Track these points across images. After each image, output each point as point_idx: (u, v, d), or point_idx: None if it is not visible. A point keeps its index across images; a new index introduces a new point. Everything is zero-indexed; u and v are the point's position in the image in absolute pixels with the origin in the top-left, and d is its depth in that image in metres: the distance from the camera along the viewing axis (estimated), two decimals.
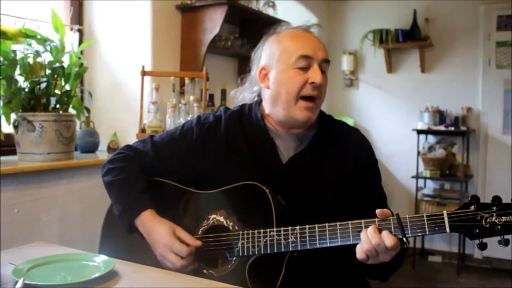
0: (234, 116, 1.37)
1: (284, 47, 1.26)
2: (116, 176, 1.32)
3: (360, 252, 1.07)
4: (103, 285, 1.00)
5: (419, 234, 1.05)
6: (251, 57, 1.38)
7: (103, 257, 1.12)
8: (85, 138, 2.37)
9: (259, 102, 1.38)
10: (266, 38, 1.34)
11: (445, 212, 1.03)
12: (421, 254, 4.25)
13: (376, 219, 1.08)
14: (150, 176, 1.35)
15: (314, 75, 1.22)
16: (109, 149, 2.39)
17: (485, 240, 1.01)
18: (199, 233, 1.27)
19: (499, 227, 0.99)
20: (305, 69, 1.23)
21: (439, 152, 3.98)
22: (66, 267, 1.09)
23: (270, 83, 1.29)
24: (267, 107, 1.33)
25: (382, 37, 4.17)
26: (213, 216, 1.26)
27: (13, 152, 2.10)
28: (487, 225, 1.00)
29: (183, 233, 1.22)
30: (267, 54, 1.31)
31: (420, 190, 4.14)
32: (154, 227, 1.23)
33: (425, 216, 1.04)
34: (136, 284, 1.03)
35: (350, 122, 4.24)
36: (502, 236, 1.00)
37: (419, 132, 4.04)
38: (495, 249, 1.04)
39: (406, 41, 4.16)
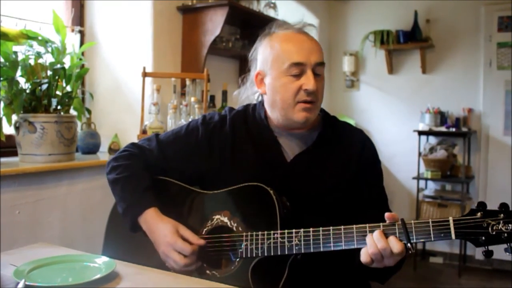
0: (238, 116, 1.37)
1: (276, 53, 1.25)
2: (120, 173, 1.31)
3: (365, 256, 1.07)
4: (104, 287, 1.00)
5: (424, 240, 1.04)
6: (248, 57, 1.38)
7: (104, 259, 1.12)
8: (86, 139, 2.38)
9: (263, 102, 1.38)
10: (260, 39, 1.34)
11: (451, 219, 1.02)
12: (422, 255, 4.25)
13: (381, 224, 1.08)
14: (154, 174, 1.35)
15: (307, 81, 1.21)
16: (110, 150, 2.39)
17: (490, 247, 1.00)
18: (203, 233, 1.26)
19: (505, 234, 0.98)
20: (298, 75, 1.23)
21: (440, 153, 3.97)
22: (67, 268, 1.09)
23: (266, 88, 1.29)
24: (267, 110, 1.34)
25: (383, 38, 4.18)
26: (217, 216, 1.26)
27: (14, 154, 2.10)
28: (494, 233, 0.99)
29: (187, 232, 1.22)
30: (261, 58, 1.31)
31: (421, 191, 4.14)
32: (157, 225, 1.22)
33: (430, 222, 1.03)
34: (137, 285, 1.03)
35: (351, 123, 4.22)
36: (508, 244, 0.99)
37: (420, 133, 4.03)
38: (496, 250, 1.03)
39: (407, 42, 4.16)
